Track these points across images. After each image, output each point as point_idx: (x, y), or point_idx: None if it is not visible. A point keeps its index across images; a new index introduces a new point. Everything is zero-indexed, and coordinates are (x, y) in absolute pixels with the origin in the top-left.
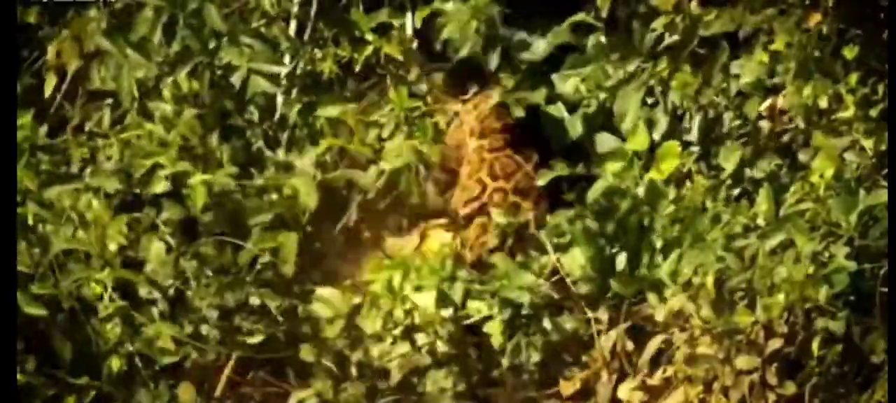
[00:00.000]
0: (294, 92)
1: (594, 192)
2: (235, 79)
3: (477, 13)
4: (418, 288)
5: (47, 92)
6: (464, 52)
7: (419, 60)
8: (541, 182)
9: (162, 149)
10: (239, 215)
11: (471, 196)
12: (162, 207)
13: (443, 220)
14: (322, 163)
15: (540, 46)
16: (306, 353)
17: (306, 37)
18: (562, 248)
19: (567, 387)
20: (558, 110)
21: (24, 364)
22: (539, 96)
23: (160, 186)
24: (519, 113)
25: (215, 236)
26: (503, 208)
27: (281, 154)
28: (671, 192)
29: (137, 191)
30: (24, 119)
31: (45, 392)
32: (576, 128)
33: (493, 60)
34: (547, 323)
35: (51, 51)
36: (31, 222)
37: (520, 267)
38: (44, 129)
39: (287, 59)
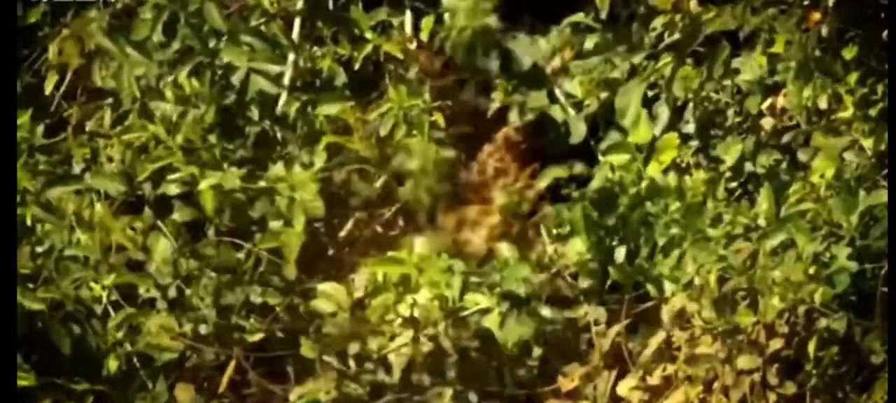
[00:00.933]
0: (300, 92)
1: (595, 183)
2: (236, 79)
3: (472, 19)
4: (417, 283)
5: (48, 89)
6: (459, 56)
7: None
8: (541, 183)
9: (166, 151)
10: (244, 215)
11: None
12: (171, 208)
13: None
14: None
15: (541, 48)
16: (306, 350)
17: (305, 35)
18: (561, 240)
19: (566, 384)
20: (561, 112)
21: (23, 365)
22: (540, 99)
23: (173, 189)
24: (515, 117)
25: (219, 237)
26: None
27: (285, 153)
28: (672, 188)
29: (140, 193)
30: (22, 119)
31: (44, 393)
32: (579, 129)
33: (492, 65)
34: (546, 316)
35: (52, 49)
36: (29, 223)
37: (518, 258)
38: (41, 129)
39: (291, 57)
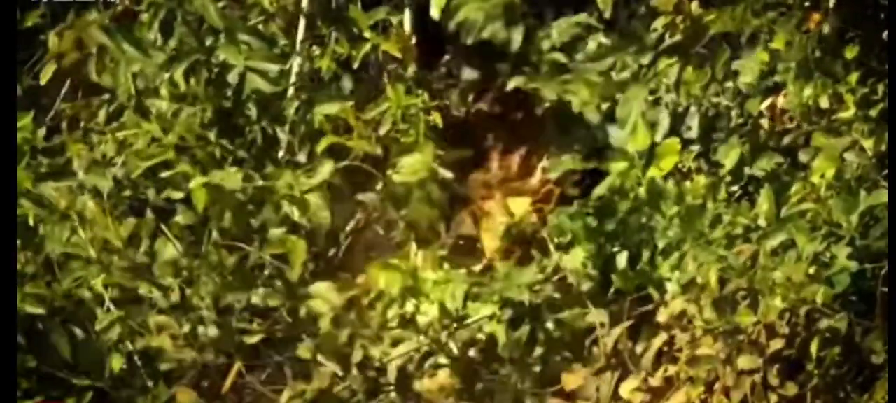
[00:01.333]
0: (292, 90)
1: (599, 191)
2: (232, 78)
3: None
4: (421, 293)
5: (44, 81)
6: (485, 34)
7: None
8: (552, 174)
9: (160, 149)
10: (245, 219)
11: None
12: (174, 211)
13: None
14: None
15: (551, 39)
16: (304, 352)
17: (304, 34)
18: (563, 247)
19: (570, 381)
20: (574, 103)
21: (23, 364)
22: (555, 89)
23: (177, 194)
24: (536, 104)
25: (224, 241)
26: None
27: (288, 158)
28: (672, 192)
29: (144, 196)
30: (25, 120)
31: (44, 392)
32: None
33: (515, 43)
34: (549, 322)
35: (51, 43)
36: (31, 223)
37: (521, 265)
38: (42, 132)
39: (297, 59)
